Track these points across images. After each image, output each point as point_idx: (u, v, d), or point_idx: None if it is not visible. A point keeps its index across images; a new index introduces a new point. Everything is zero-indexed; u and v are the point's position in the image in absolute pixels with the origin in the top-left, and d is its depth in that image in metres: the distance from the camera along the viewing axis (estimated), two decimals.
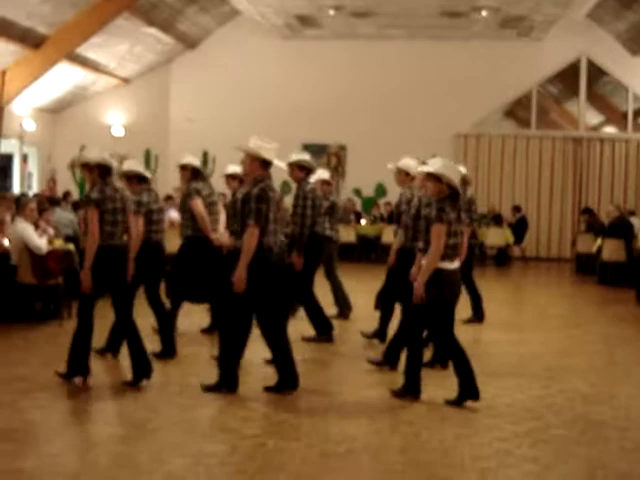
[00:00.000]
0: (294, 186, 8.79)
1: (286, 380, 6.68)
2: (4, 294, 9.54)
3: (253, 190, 6.50)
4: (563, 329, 10.62)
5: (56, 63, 17.30)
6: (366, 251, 19.12)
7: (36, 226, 9.71)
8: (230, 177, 9.22)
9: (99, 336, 7.43)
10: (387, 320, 8.85)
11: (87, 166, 6.87)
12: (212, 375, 6.69)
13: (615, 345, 9.81)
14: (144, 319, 8.10)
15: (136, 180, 7.95)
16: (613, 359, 9.00)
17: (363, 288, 11.47)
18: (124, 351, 7.16)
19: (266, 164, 6.60)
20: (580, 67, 20.30)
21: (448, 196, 6.40)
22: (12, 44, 16.10)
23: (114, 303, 6.82)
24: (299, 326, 9.26)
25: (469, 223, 8.64)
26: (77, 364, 6.74)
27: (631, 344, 9.82)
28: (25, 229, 9.45)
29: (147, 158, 19.80)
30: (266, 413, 6.23)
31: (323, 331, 8.95)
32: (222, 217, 8.89)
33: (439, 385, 6.83)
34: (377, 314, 8.98)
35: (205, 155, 19.27)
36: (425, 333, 6.91)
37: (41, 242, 9.48)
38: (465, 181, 8.64)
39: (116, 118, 21.44)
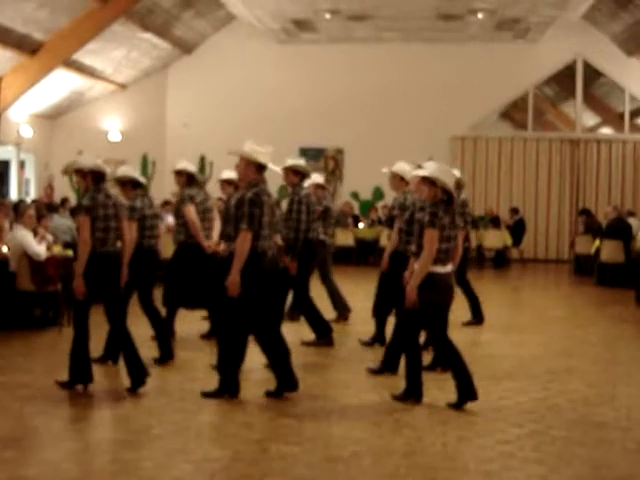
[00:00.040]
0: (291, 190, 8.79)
1: (285, 383, 6.67)
2: (3, 301, 9.52)
3: (247, 194, 6.49)
4: (563, 330, 10.64)
5: (53, 69, 17.31)
6: (364, 254, 19.13)
7: (35, 233, 9.70)
8: (225, 182, 9.21)
9: (98, 345, 7.42)
10: (383, 323, 8.86)
11: (81, 172, 6.85)
12: (213, 381, 6.68)
13: (615, 346, 9.83)
14: (139, 327, 8.11)
15: (130, 186, 7.94)
16: (613, 360, 9.01)
17: (361, 291, 11.48)
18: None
19: (261, 168, 6.60)
20: (576, 68, 20.34)
21: (443, 200, 6.41)
22: (8, 51, 16.10)
23: (107, 311, 6.80)
24: (299, 330, 9.27)
25: (463, 226, 8.66)
26: (78, 372, 6.73)
27: (631, 345, 9.83)
28: (24, 236, 9.44)
29: (144, 163, 19.80)
30: (268, 418, 6.22)
31: (322, 334, 8.95)
32: (217, 224, 8.86)
33: (440, 388, 6.83)
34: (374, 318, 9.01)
35: (202, 160, 19.27)
36: (424, 337, 6.93)
37: (40, 249, 9.47)
38: (459, 184, 8.67)
39: (113, 124, 21.45)
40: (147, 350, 7.64)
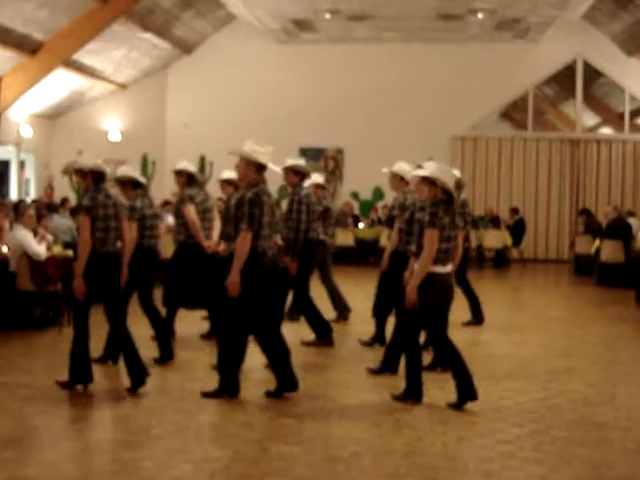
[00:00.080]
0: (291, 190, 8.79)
1: (285, 383, 6.68)
2: (3, 301, 9.52)
3: (247, 194, 6.49)
4: (563, 330, 10.64)
5: (53, 69, 17.31)
6: (364, 254, 19.13)
7: (35, 233, 9.70)
8: (225, 182, 9.21)
9: (98, 345, 7.42)
10: (383, 323, 8.86)
11: (81, 172, 6.85)
12: (213, 381, 6.68)
13: (615, 346, 9.83)
14: (139, 327, 8.10)
15: (130, 186, 7.94)
16: (613, 360, 9.01)
17: (361, 291, 11.48)
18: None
19: (261, 168, 6.60)
20: (576, 68, 20.34)
21: (443, 200, 6.41)
22: (8, 51, 16.10)
23: (107, 311, 6.80)
24: (299, 330, 9.28)
25: (463, 226, 8.66)
26: (78, 372, 6.73)
27: (631, 345, 9.84)
28: (24, 236, 9.44)
29: (144, 164, 19.80)
30: (268, 418, 6.22)
31: (322, 334, 8.95)
32: (217, 224, 8.86)
33: (440, 388, 6.83)
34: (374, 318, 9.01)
35: (202, 160, 19.27)
36: (424, 337, 6.92)
37: (40, 249, 9.48)
38: (459, 184, 8.67)
39: (113, 124, 21.46)
40: (147, 350, 7.64)
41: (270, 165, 6.67)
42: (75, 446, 5.61)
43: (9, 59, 16.62)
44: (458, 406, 6.39)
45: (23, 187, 20.37)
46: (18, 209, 10.68)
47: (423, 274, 6.35)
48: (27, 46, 16.44)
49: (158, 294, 8.45)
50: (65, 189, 19.13)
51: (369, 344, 8.93)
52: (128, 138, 21.12)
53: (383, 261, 8.58)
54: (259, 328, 6.64)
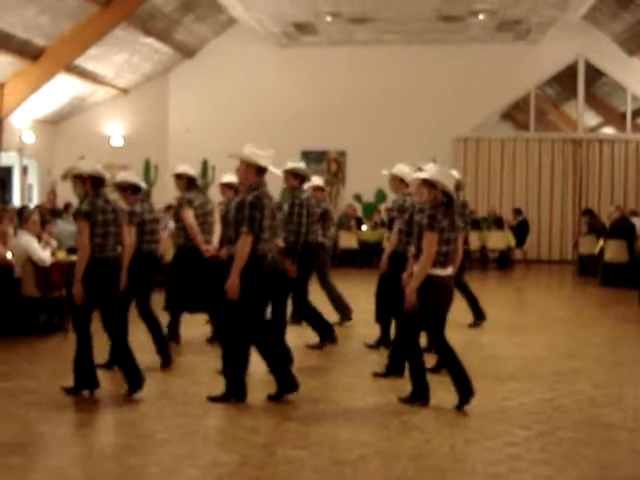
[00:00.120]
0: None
1: (284, 385, 6.66)
2: (8, 307, 9.52)
3: (247, 197, 6.49)
4: (567, 331, 10.62)
5: (54, 75, 17.34)
6: (367, 257, 19.10)
7: (39, 238, 9.71)
8: (226, 186, 9.19)
9: (103, 351, 7.40)
10: (388, 325, 8.84)
11: (80, 177, 6.84)
12: (218, 385, 6.67)
13: (620, 346, 9.81)
14: (139, 333, 8.08)
15: (131, 191, 7.94)
16: (619, 360, 8.99)
17: (364, 294, 11.44)
18: None
19: (261, 171, 6.60)
20: (578, 69, 20.33)
21: (442, 202, 6.41)
22: (10, 56, 16.14)
23: (103, 316, 6.74)
24: (302, 334, 9.26)
25: (463, 228, 8.65)
26: (83, 378, 6.73)
27: (636, 345, 9.82)
28: (29, 242, 9.44)
29: (147, 168, 19.78)
30: (274, 422, 6.20)
31: (325, 334, 8.94)
32: (217, 227, 8.84)
33: (446, 390, 6.80)
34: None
35: (205, 164, 19.27)
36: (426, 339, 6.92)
37: (45, 254, 9.48)
38: (459, 186, 8.66)
39: (115, 129, 21.47)
40: (147, 355, 7.63)
41: (270, 168, 6.67)
42: (81, 452, 5.61)
43: (11, 65, 16.65)
44: (460, 406, 6.40)
45: (26, 193, 20.39)
46: (22, 215, 10.68)
47: (422, 277, 6.34)
48: (29, 52, 16.47)
49: (159, 299, 8.43)
50: (68, 194, 19.07)
51: (374, 347, 8.92)
52: (130, 143, 21.14)
53: (382, 262, 8.57)
54: (256, 331, 6.61)
